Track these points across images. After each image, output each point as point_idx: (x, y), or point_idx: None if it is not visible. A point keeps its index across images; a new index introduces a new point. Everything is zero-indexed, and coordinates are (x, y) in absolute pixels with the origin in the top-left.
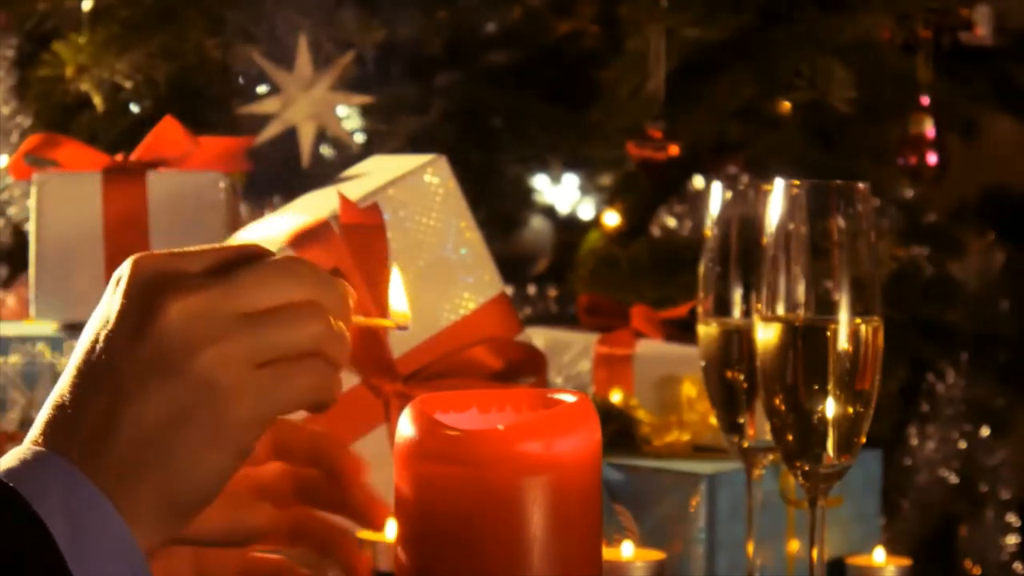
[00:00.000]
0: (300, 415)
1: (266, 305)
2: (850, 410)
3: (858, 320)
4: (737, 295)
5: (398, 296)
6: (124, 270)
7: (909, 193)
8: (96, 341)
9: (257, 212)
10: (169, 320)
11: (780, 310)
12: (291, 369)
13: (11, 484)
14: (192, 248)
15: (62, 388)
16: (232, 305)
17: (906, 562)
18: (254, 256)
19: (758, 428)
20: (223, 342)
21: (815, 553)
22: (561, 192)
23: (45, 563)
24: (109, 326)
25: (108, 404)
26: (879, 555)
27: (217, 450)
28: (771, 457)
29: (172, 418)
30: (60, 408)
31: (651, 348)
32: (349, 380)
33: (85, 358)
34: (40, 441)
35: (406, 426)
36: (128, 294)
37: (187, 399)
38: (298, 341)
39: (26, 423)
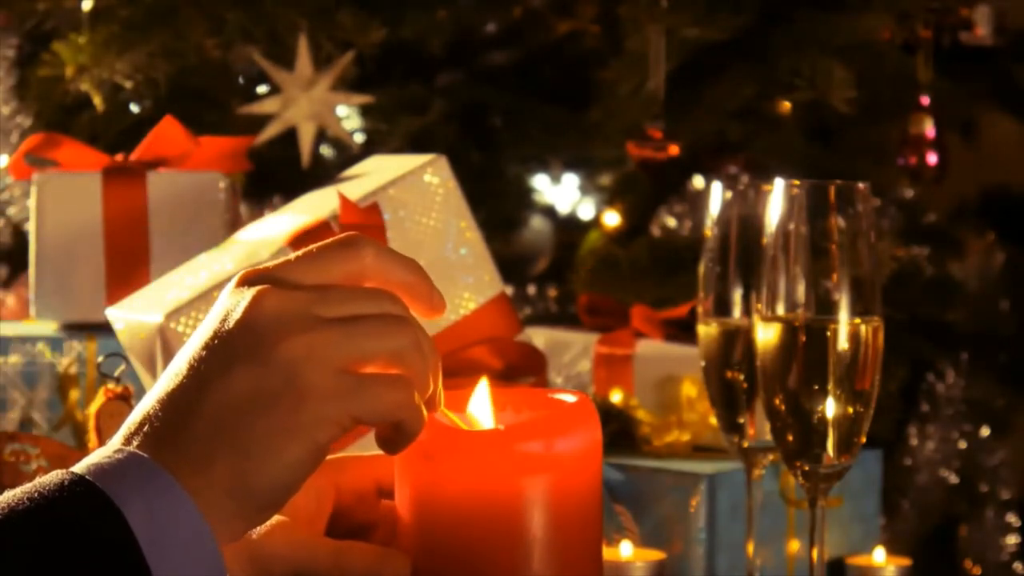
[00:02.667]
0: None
1: (359, 313)
2: (850, 410)
3: (858, 320)
4: (737, 295)
5: (484, 411)
6: (235, 280)
7: (909, 193)
8: (192, 341)
9: (257, 212)
10: (262, 309)
11: (780, 310)
12: (377, 381)
13: (87, 475)
14: (301, 256)
15: (152, 393)
16: (325, 309)
17: (906, 562)
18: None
19: (758, 428)
20: (312, 335)
21: (815, 553)
22: (561, 192)
23: (122, 552)
24: (205, 325)
25: (190, 391)
26: (879, 555)
27: (293, 441)
28: (771, 457)
29: (252, 403)
30: (145, 403)
31: (651, 348)
32: None
33: (179, 358)
34: (124, 433)
35: None
36: (230, 293)
37: (269, 386)
38: (385, 350)
39: (26, 423)
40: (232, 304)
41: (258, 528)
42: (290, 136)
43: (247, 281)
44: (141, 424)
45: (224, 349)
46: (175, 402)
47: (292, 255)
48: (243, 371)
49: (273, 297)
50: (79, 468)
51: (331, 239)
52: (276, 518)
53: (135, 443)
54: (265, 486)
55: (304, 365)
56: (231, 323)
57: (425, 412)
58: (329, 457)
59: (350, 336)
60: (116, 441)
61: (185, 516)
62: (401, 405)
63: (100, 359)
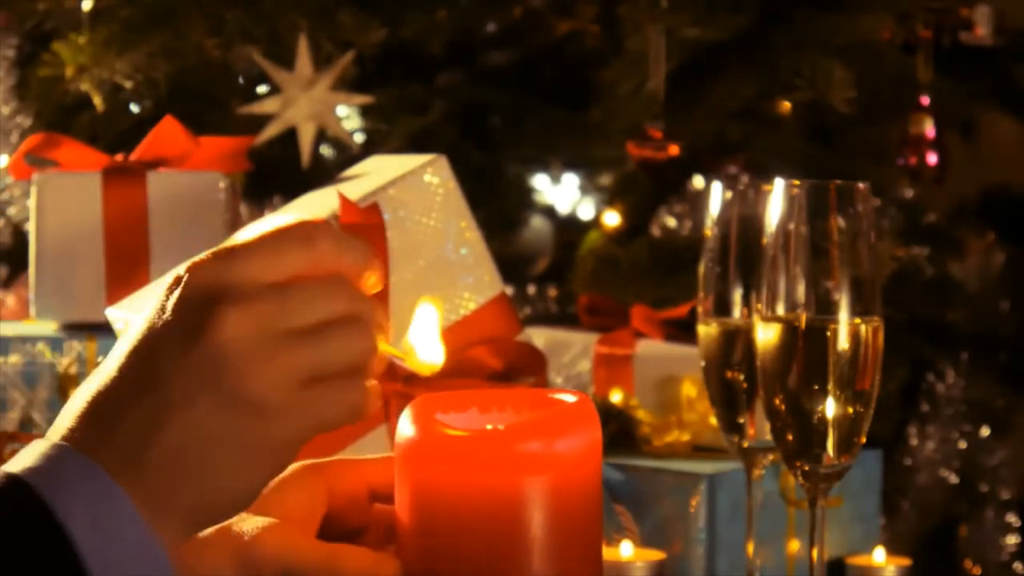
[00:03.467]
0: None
1: (318, 320)
2: (850, 410)
3: (858, 320)
4: (737, 295)
5: (429, 340)
6: (182, 274)
7: (909, 193)
8: (144, 343)
9: (257, 212)
10: (224, 334)
11: (780, 310)
12: (336, 388)
13: (31, 483)
14: (248, 244)
15: (100, 385)
16: (286, 321)
17: (906, 562)
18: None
19: (758, 428)
20: (276, 360)
21: (815, 553)
22: (561, 192)
23: (64, 566)
24: (159, 330)
25: (151, 412)
26: (879, 555)
27: (255, 468)
28: (771, 457)
29: (217, 434)
30: (94, 406)
31: (651, 348)
32: None
33: (130, 360)
34: (68, 437)
35: (406, 426)
36: (184, 299)
37: (233, 417)
38: (345, 359)
39: (26, 423)
40: (189, 322)
41: (249, 530)
42: (290, 136)
43: (198, 279)
44: (91, 424)
45: (186, 374)
46: (137, 413)
47: (245, 241)
48: (208, 402)
49: (234, 317)
50: (18, 469)
51: (286, 226)
52: (268, 520)
53: (79, 444)
54: (221, 510)
55: (269, 393)
56: (193, 344)
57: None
58: (322, 460)
59: (313, 352)
60: (58, 437)
61: (135, 533)
62: (359, 407)
63: (100, 359)
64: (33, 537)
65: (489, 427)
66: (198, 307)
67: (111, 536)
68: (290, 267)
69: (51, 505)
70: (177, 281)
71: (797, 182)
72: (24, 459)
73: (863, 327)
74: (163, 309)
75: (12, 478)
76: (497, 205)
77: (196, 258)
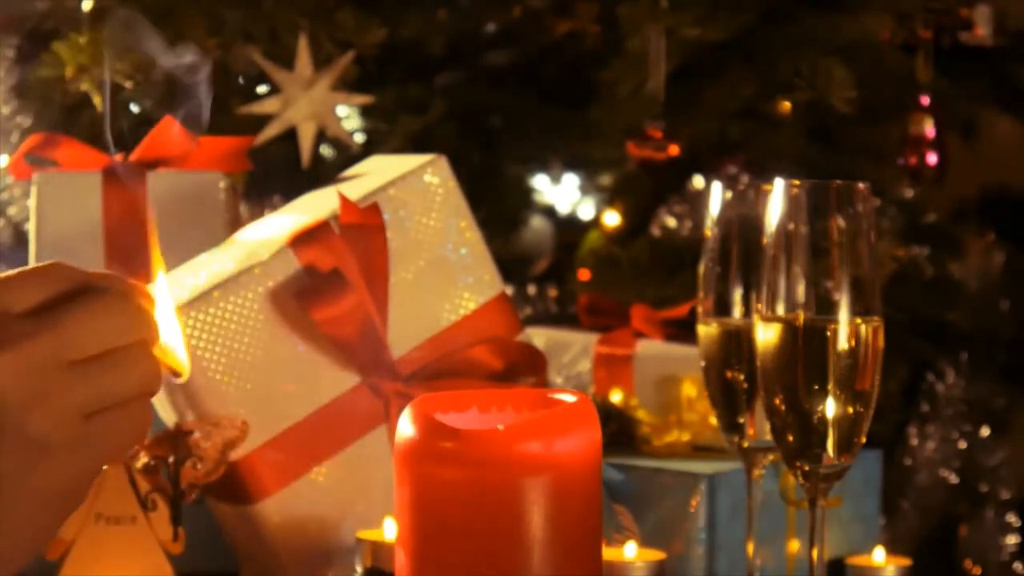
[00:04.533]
0: None
1: (94, 351)
2: (850, 410)
3: (858, 320)
4: (737, 295)
5: (177, 344)
6: None
7: (909, 193)
8: None
9: (257, 212)
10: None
11: (780, 310)
12: (120, 416)
13: None
14: (6, 277)
15: None
16: (61, 355)
17: (906, 562)
18: (71, 282)
19: (758, 428)
20: (55, 398)
21: (815, 553)
22: (561, 192)
23: None
24: None
25: None
26: (879, 555)
27: (47, 510)
28: (771, 457)
29: (1, 479)
30: None
31: (651, 348)
32: (349, 380)
33: None
34: None
35: (406, 426)
36: None
37: (17, 460)
38: (129, 387)
39: None
40: None
41: None
42: (290, 136)
43: None
44: None
45: None
46: None
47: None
48: None
49: (8, 359)
50: None
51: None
52: None
53: None
54: (17, 557)
55: (51, 433)
56: None
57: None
58: None
59: (92, 384)
60: None
61: None
62: (143, 430)
63: None
64: None
65: (489, 427)
66: None
67: None
68: (53, 293)
69: None
70: None
71: (797, 182)
72: None
73: (863, 327)
74: None
75: None
76: (497, 205)
77: None
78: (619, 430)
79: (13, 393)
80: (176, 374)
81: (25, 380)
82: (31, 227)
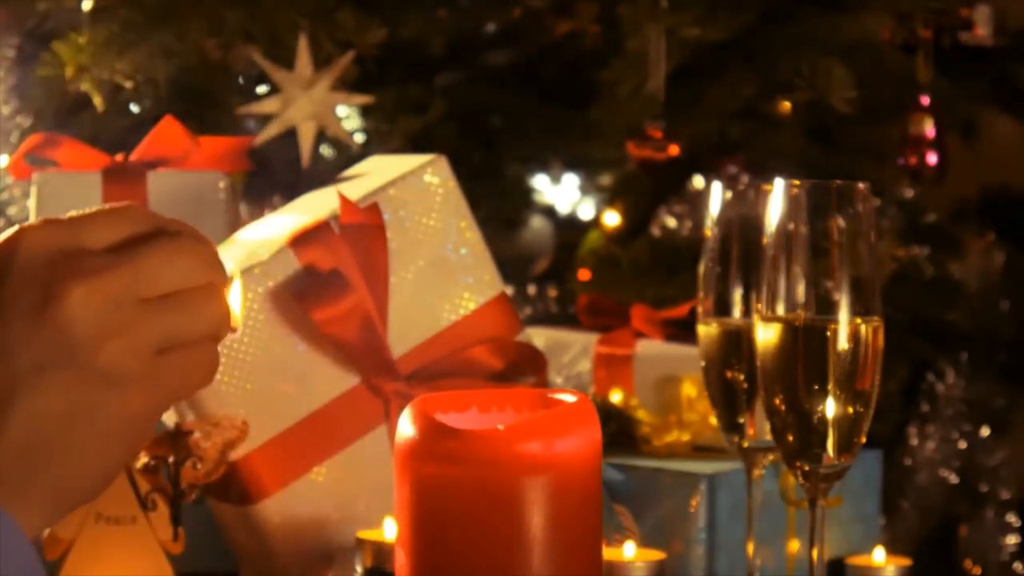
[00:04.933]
0: None
1: (168, 289)
2: (850, 410)
3: (858, 320)
4: (737, 295)
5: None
6: (11, 244)
7: (909, 193)
8: None
9: (257, 212)
10: (72, 308)
11: (780, 310)
12: (190, 356)
13: None
14: (86, 215)
15: None
16: (135, 290)
17: (906, 562)
18: (148, 225)
19: (758, 428)
20: (129, 332)
21: (815, 553)
22: (561, 192)
23: None
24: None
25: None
26: (879, 555)
27: (115, 443)
28: (771, 457)
29: (71, 412)
30: None
31: (651, 348)
32: (349, 380)
33: None
34: None
35: (406, 426)
36: (24, 270)
37: (89, 393)
38: (199, 327)
39: None
40: (35, 295)
41: None
42: (290, 136)
43: (36, 249)
44: None
45: (34, 350)
46: None
47: (79, 213)
48: (60, 379)
49: (81, 292)
50: None
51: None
52: None
53: None
54: (83, 491)
55: (124, 365)
56: (39, 320)
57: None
58: None
59: (165, 321)
60: None
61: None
62: (211, 371)
63: None
64: None
65: (489, 427)
66: (42, 278)
67: None
68: (130, 234)
69: None
70: (10, 245)
71: (797, 182)
72: None
73: (863, 327)
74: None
75: None
76: (497, 205)
77: (27, 224)
78: (619, 430)
79: (86, 325)
80: (231, 328)
81: (99, 313)
82: None
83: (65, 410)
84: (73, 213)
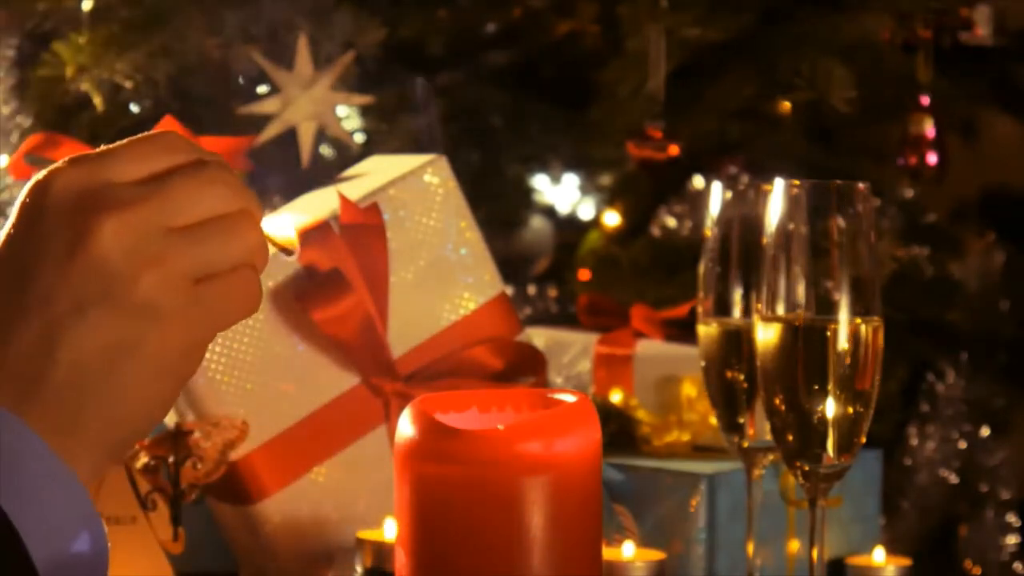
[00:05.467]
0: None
1: (201, 217)
2: (850, 410)
3: (858, 320)
4: (737, 295)
5: (286, 223)
6: (40, 184)
7: (909, 193)
8: (19, 261)
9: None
10: (105, 242)
11: (780, 310)
12: (229, 283)
13: None
14: (112, 148)
15: None
16: (167, 220)
17: (906, 562)
18: (178, 154)
19: (758, 428)
20: (163, 263)
21: (815, 553)
22: (561, 192)
23: None
24: (34, 245)
25: (41, 337)
26: (879, 555)
27: (162, 378)
28: (771, 457)
29: (114, 348)
30: None
31: (651, 348)
32: (349, 380)
33: (6, 282)
34: None
35: (406, 426)
36: (54, 211)
37: (130, 327)
38: (235, 254)
39: None
40: (66, 232)
41: None
42: (290, 136)
43: (65, 188)
44: None
45: (71, 289)
46: (26, 341)
47: (107, 147)
48: (100, 316)
49: (113, 223)
50: None
51: (147, 134)
52: None
53: None
54: (134, 428)
55: (162, 297)
56: (73, 256)
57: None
58: None
59: (200, 249)
60: None
61: (42, 465)
62: (252, 300)
63: None
64: None
65: (489, 427)
66: (72, 217)
67: (20, 471)
68: (160, 165)
69: None
70: (39, 189)
71: (797, 182)
72: None
73: (863, 327)
74: (30, 221)
75: None
76: (497, 205)
77: (55, 165)
78: (619, 430)
79: (120, 259)
80: (287, 251)
81: (131, 246)
82: None
83: (107, 347)
84: (103, 147)
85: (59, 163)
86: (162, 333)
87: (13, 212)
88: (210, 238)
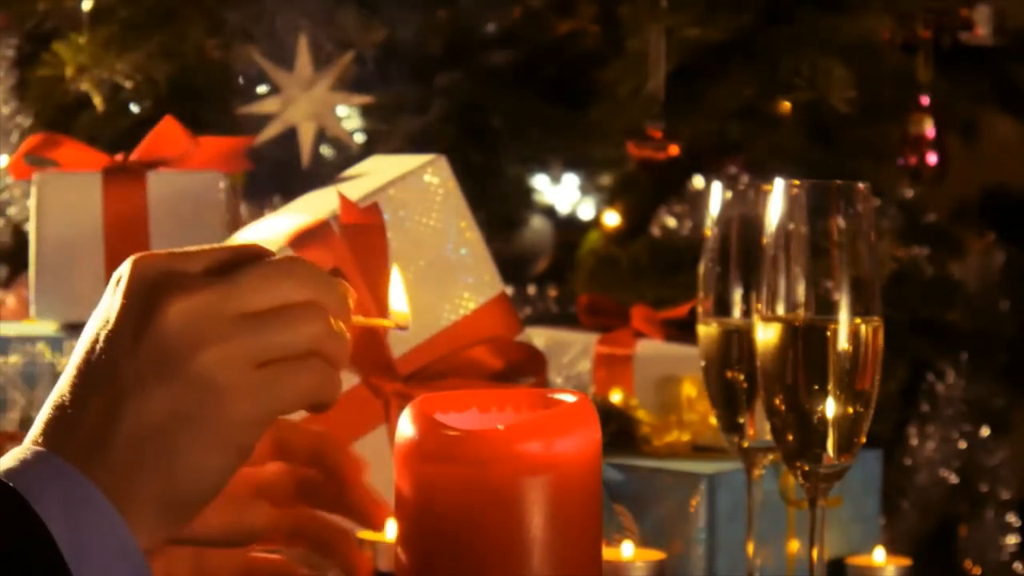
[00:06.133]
0: (300, 415)
1: (266, 305)
2: (850, 410)
3: (858, 320)
4: (737, 295)
5: (398, 296)
6: (124, 270)
7: (909, 193)
8: (96, 341)
9: (257, 212)
10: (169, 319)
11: (780, 310)
12: (291, 369)
13: (10, 483)
14: (193, 248)
15: (62, 388)
16: (233, 305)
17: (906, 562)
18: (254, 256)
19: (758, 428)
20: (223, 342)
21: (815, 553)
22: (561, 192)
23: (44, 563)
24: (109, 326)
25: (108, 403)
26: (879, 555)
27: (217, 450)
28: (771, 457)
29: (172, 418)
30: (60, 408)
31: (651, 348)
32: (349, 380)
33: (85, 358)
34: (39, 441)
35: (406, 426)
36: (128, 294)
37: (187, 399)
38: (298, 341)
39: (26, 423)
40: (137, 312)
41: None
42: (290, 136)
43: (141, 273)
44: (57, 424)
45: (136, 362)
46: (95, 408)
47: (189, 248)
48: (158, 389)
49: (180, 305)
50: None
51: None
52: None
53: (49, 445)
54: (190, 497)
55: (219, 374)
56: (141, 332)
57: (341, 382)
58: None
59: (261, 333)
60: (29, 442)
61: (109, 526)
62: (318, 389)
63: None
64: (17, 534)
65: (489, 427)
66: (144, 298)
67: (84, 529)
68: (224, 258)
69: (31, 503)
70: (120, 278)
71: (797, 182)
72: (2, 463)
73: (863, 327)
74: (111, 305)
75: None
76: (497, 205)
77: (136, 256)
78: (619, 430)
79: (180, 334)
80: (401, 327)
81: (193, 324)
82: (31, 227)
83: (166, 417)
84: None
85: (143, 253)
86: (219, 408)
87: (108, 289)
88: (273, 325)
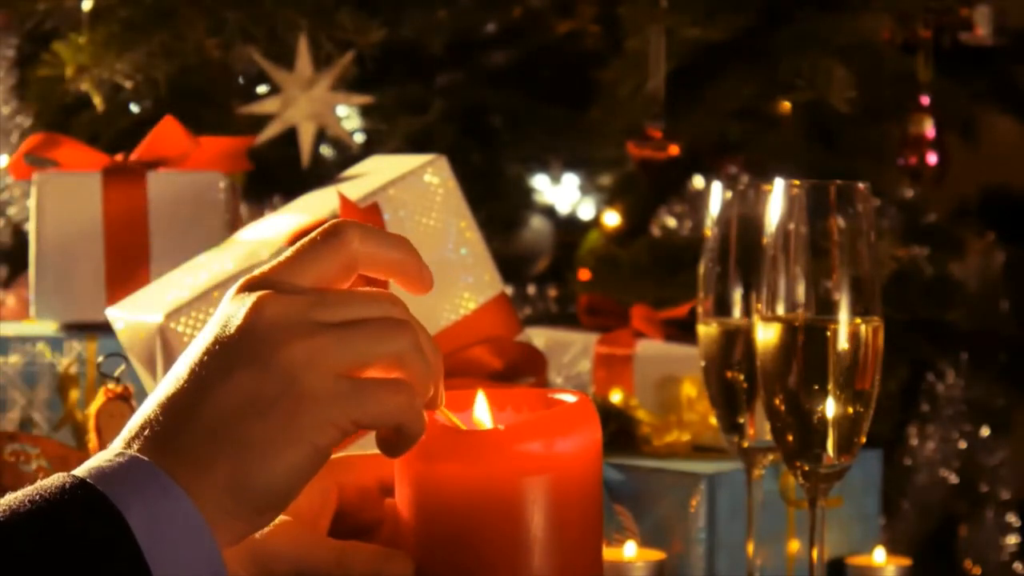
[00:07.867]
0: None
1: (352, 316)
2: (850, 410)
3: (858, 320)
4: (737, 295)
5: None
6: (238, 286)
7: (909, 193)
8: (193, 346)
9: (257, 212)
10: (262, 315)
11: (780, 310)
12: (374, 384)
13: (87, 478)
14: (294, 256)
15: (159, 391)
16: (325, 313)
17: (906, 562)
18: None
19: (758, 428)
20: (311, 341)
21: (815, 553)
22: (561, 192)
23: (122, 554)
24: (207, 330)
25: (189, 393)
26: (879, 555)
27: (292, 445)
28: (771, 457)
29: (251, 406)
30: (145, 407)
31: (651, 348)
32: None
33: (182, 360)
34: (125, 436)
35: None
36: (230, 301)
37: (268, 390)
38: (384, 354)
39: (26, 423)
40: (233, 310)
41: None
42: (290, 136)
43: (248, 287)
44: (142, 428)
45: (224, 354)
46: (175, 406)
47: (285, 254)
48: (243, 375)
49: (273, 303)
50: (80, 471)
51: (317, 230)
52: (280, 518)
53: (135, 447)
54: (264, 488)
55: (303, 370)
56: (232, 329)
57: (425, 415)
58: (332, 456)
59: (349, 341)
60: (117, 444)
61: (184, 517)
62: (401, 409)
63: (100, 359)
64: (97, 527)
65: (489, 427)
66: (240, 301)
67: (159, 516)
68: (330, 270)
69: (110, 498)
70: (237, 288)
71: (797, 182)
72: (87, 464)
73: (863, 327)
74: (216, 316)
75: (74, 479)
76: (497, 205)
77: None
78: (619, 430)
79: (269, 328)
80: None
81: (284, 321)
82: (31, 227)
83: (244, 403)
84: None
85: (258, 273)
86: (298, 401)
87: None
88: (361, 335)
